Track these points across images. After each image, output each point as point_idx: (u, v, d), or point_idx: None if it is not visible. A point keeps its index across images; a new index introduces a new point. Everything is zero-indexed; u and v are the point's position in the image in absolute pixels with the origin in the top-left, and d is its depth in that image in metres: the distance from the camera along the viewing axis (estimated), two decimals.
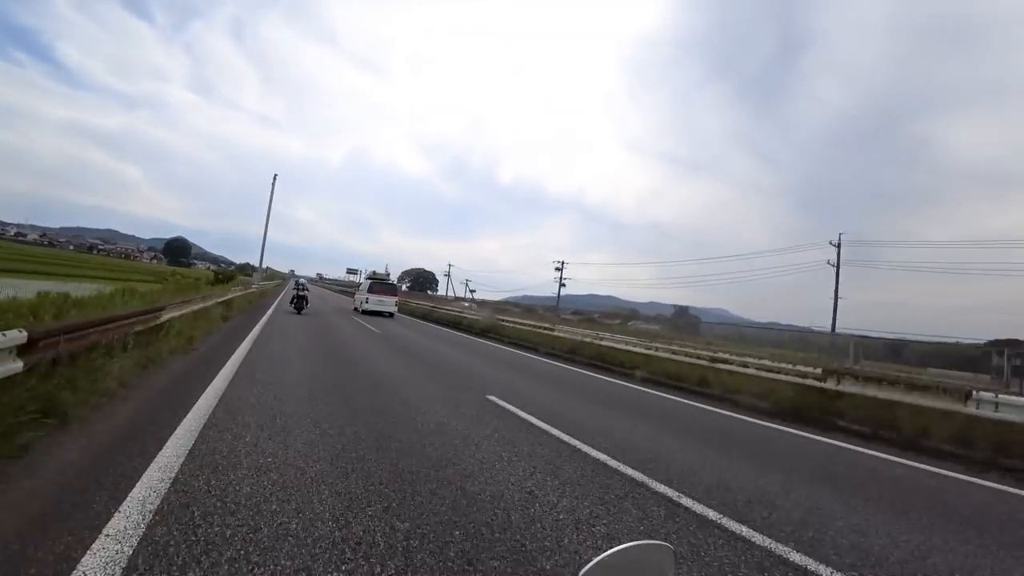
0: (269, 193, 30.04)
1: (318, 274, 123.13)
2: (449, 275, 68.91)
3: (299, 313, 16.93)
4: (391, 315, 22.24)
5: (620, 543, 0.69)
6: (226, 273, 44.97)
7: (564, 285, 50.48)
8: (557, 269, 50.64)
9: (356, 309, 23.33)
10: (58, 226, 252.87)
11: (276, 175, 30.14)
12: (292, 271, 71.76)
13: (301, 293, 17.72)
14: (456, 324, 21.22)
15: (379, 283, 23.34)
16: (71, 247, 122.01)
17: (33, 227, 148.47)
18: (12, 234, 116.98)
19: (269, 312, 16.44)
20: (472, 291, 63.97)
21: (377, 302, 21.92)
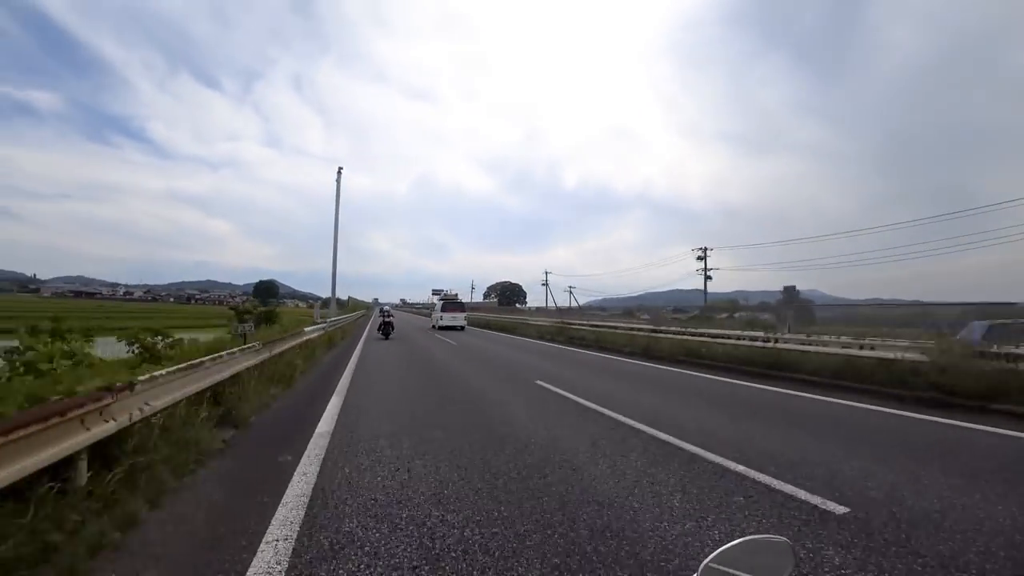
0: (335, 196, 23.69)
1: (402, 299, 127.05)
2: (547, 283, 64.98)
3: (386, 338, 17.33)
4: (462, 328, 25.70)
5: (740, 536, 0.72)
6: (262, 310, 17.52)
7: (710, 278, 38.56)
8: (699, 259, 41.62)
9: (433, 327, 26.77)
10: (164, 283, 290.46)
11: (341, 168, 23.94)
12: (376, 299, 74.85)
13: (387, 319, 18.72)
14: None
15: (450, 303, 27.92)
16: (171, 299, 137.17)
17: (140, 286, 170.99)
18: (122, 294, 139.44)
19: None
20: (575, 301, 55.37)
21: (450, 319, 25.70)
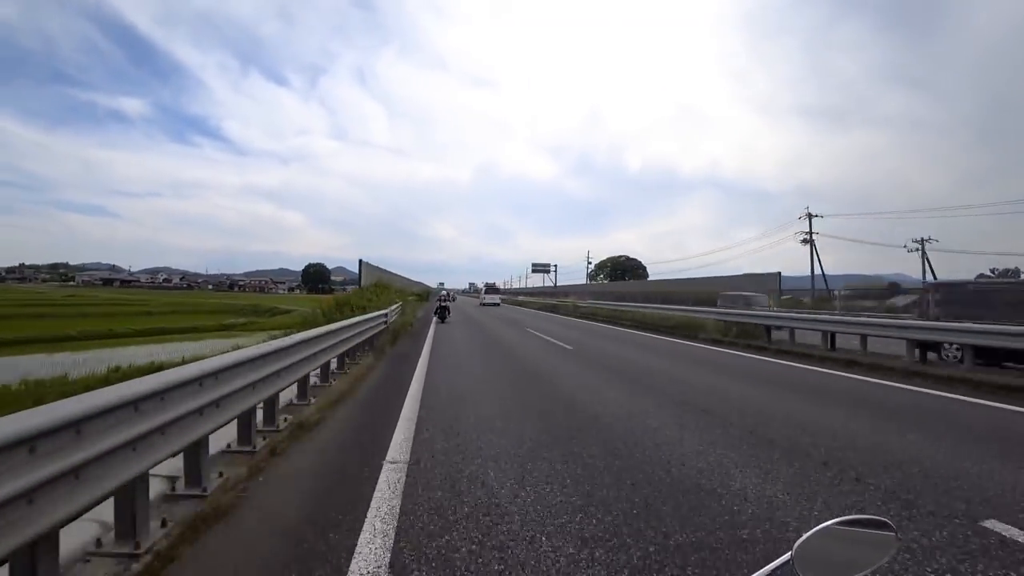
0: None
1: (470, 283, 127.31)
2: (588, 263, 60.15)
3: (443, 322, 17.73)
4: (497, 304, 39.79)
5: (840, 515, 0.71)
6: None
7: (817, 253, 33.56)
8: (805, 237, 34.04)
9: (481, 304, 40.03)
10: (241, 271, 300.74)
11: None
12: (441, 284, 72.97)
13: (443, 304, 19.28)
14: None
15: (490, 288, 44.36)
16: (210, 286, 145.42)
17: (219, 275, 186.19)
18: (201, 281, 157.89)
19: None
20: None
21: (490, 299, 40.69)
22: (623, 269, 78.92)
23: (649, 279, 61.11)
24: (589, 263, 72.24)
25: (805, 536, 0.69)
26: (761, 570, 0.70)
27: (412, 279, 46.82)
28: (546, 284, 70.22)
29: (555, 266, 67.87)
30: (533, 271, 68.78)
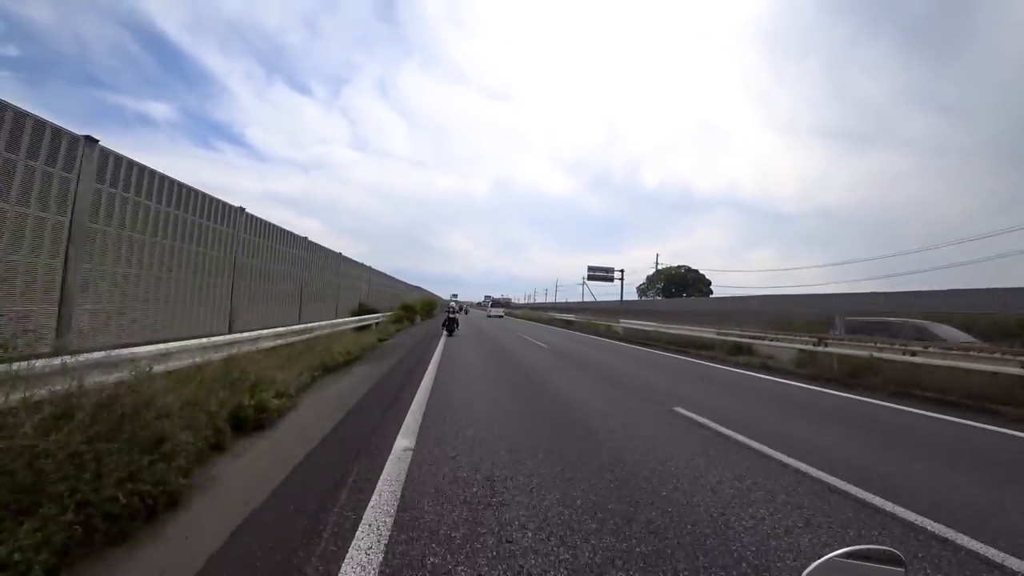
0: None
1: (486, 296, 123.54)
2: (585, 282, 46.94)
3: (450, 335, 16.64)
4: (501, 316, 47.43)
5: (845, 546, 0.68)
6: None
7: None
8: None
9: (488, 316, 46.77)
10: None
11: None
12: (454, 295, 67.47)
13: (451, 316, 18.05)
14: None
15: (496, 302, 54.13)
16: None
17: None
18: None
19: None
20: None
21: (495, 311, 48.83)
22: (681, 284, 63.38)
23: (713, 296, 49.66)
24: (619, 273, 51.13)
25: (810, 568, 0.68)
26: None
27: (410, 283, 37.38)
28: (586, 298, 60.10)
29: (622, 271, 48.47)
30: (590, 278, 50.59)
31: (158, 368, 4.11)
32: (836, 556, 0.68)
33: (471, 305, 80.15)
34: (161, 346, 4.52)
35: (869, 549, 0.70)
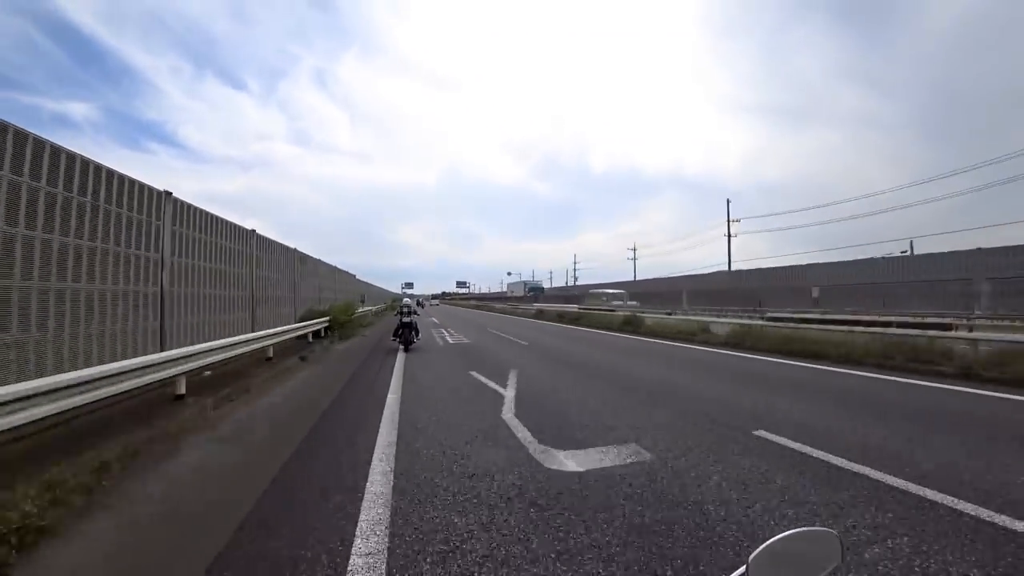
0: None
1: (443, 292, 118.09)
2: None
3: (406, 350, 11.37)
4: (436, 304, 61.56)
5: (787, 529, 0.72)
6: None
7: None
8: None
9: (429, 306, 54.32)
10: None
11: None
12: (407, 285, 53.17)
13: (405, 320, 11.97)
14: None
15: (426, 297, 60.70)
16: None
17: None
18: None
19: None
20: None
21: (431, 304, 58.70)
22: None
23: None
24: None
25: (758, 550, 0.70)
26: None
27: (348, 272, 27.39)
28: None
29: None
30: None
31: None
32: (779, 539, 0.72)
33: (427, 299, 67.00)
34: None
35: (807, 530, 0.75)
